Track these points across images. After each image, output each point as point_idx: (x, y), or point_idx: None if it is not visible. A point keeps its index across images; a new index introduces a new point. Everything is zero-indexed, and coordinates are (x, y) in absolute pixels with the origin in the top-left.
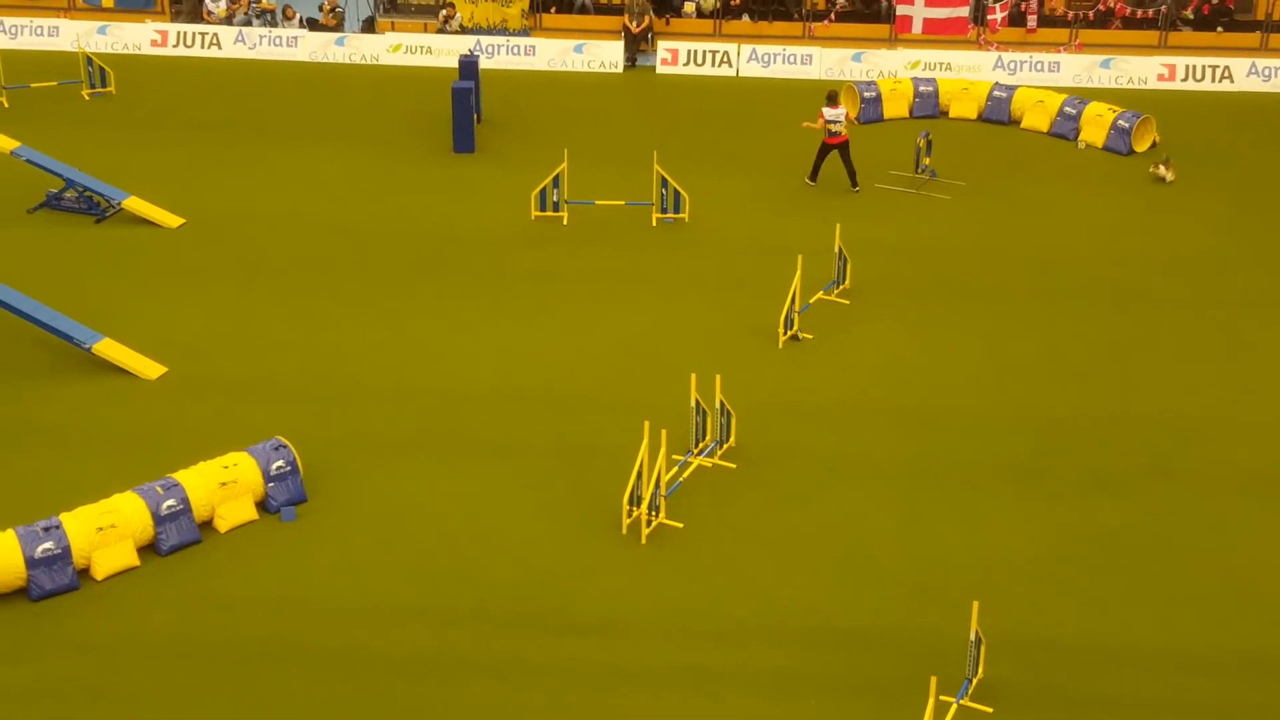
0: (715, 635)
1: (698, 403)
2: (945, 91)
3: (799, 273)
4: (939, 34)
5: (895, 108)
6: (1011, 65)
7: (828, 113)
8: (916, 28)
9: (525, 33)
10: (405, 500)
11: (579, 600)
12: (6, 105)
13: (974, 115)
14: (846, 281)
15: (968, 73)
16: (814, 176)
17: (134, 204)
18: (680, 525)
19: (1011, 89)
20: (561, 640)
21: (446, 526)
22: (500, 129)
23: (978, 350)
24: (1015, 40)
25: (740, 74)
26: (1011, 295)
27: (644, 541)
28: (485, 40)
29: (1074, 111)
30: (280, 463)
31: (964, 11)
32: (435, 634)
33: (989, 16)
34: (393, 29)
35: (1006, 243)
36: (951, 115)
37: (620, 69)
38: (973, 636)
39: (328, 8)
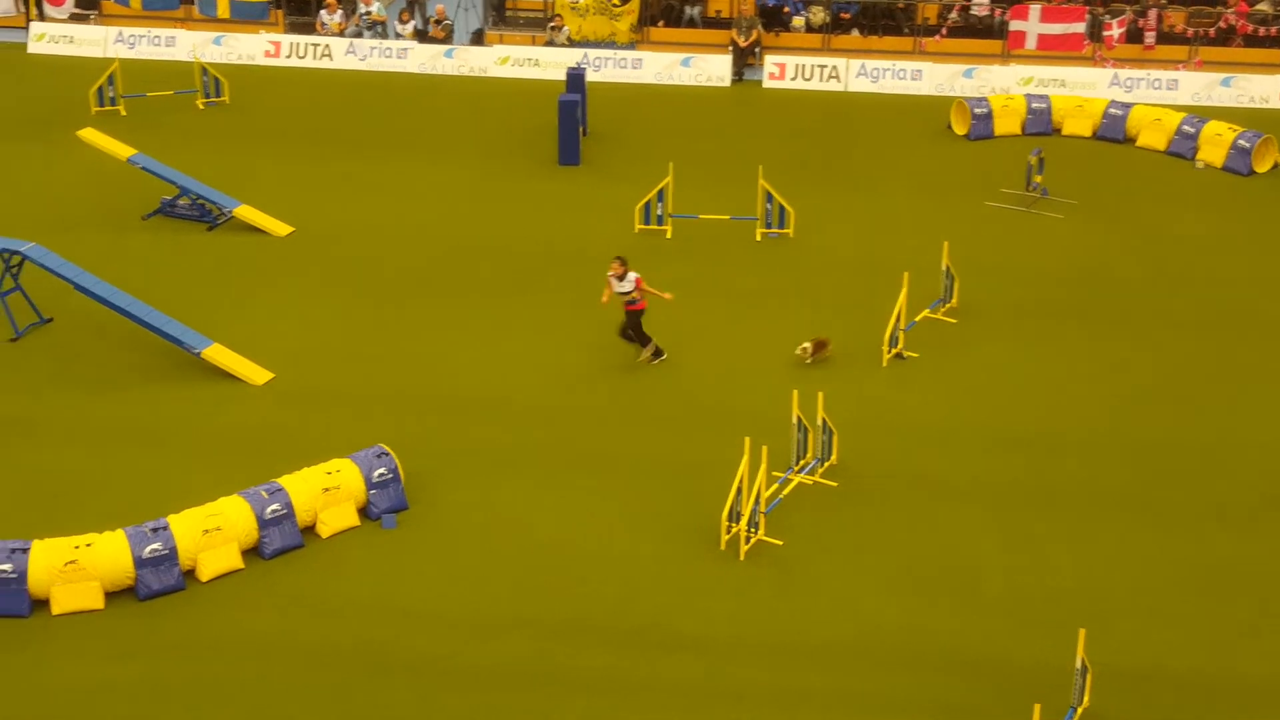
0: (813, 655)
1: (799, 419)
2: (1059, 108)
3: (904, 290)
4: (1053, 50)
5: (1007, 124)
6: (1128, 82)
7: (616, 284)
8: (1030, 44)
9: (633, 46)
10: (504, 511)
11: (676, 616)
12: (124, 114)
13: (1088, 133)
14: (954, 300)
15: (1082, 90)
16: (645, 344)
17: (245, 212)
18: (780, 543)
19: (1127, 106)
20: (658, 656)
21: (545, 539)
22: (606, 142)
23: (1088, 373)
24: (1132, 57)
25: (849, 89)
26: (1124, 318)
27: (743, 558)
28: (593, 53)
29: (1192, 130)
30: (382, 470)
31: (1080, 28)
32: (532, 646)
33: (1105, 33)
34: (501, 41)
35: (1119, 263)
36: (1065, 133)
37: (727, 83)
38: (1078, 665)
39: (436, 20)
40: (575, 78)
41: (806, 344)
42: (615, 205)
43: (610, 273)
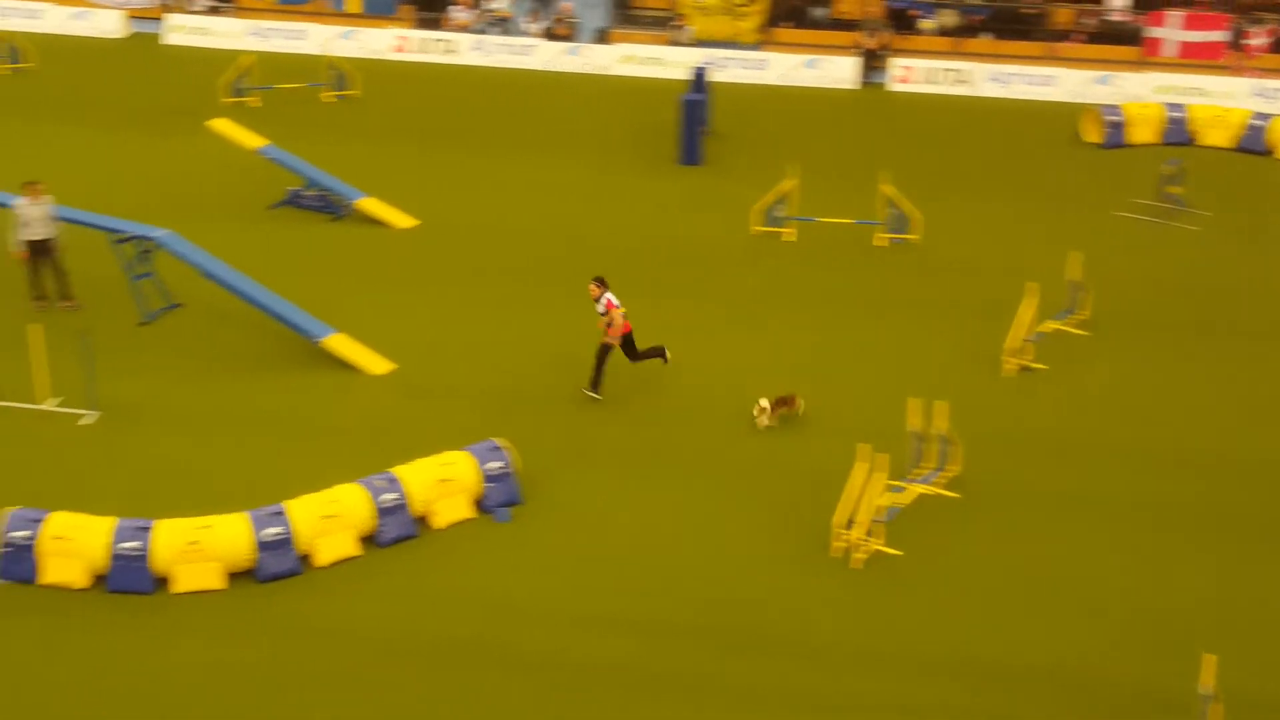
0: (925, 668)
1: (918, 429)
2: (1197, 118)
3: (1030, 300)
4: (1193, 59)
5: (1142, 133)
6: (1272, 93)
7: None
8: (1169, 51)
9: (757, 46)
10: (617, 510)
11: (786, 622)
12: (255, 105)
13: (1228, 144)
14: (1083, 311)
15: (1222, 99)
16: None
17: (369, 204)
18: (898, 553)
19: (1269, 118)
20: (765, 661)
21: (656, 539)
22: (727, 142)
23: (1219, 389)
24: (1276, 66)
25: (978, 94)
26: (1258, 334)
27: (856, 566)
28: (716, 53)
29: None
30: (497, 464)
31: (1221, 36)
32: (638, 645)
33: (1248, 41)
34: (625, 40)
35: (1255, 279)
36: (1203, 143)
37: (853, 85)
38: (1204, 690)
39: (561, 18)
40: (699, 78)
41: (764, 401)
42: (735, 206)
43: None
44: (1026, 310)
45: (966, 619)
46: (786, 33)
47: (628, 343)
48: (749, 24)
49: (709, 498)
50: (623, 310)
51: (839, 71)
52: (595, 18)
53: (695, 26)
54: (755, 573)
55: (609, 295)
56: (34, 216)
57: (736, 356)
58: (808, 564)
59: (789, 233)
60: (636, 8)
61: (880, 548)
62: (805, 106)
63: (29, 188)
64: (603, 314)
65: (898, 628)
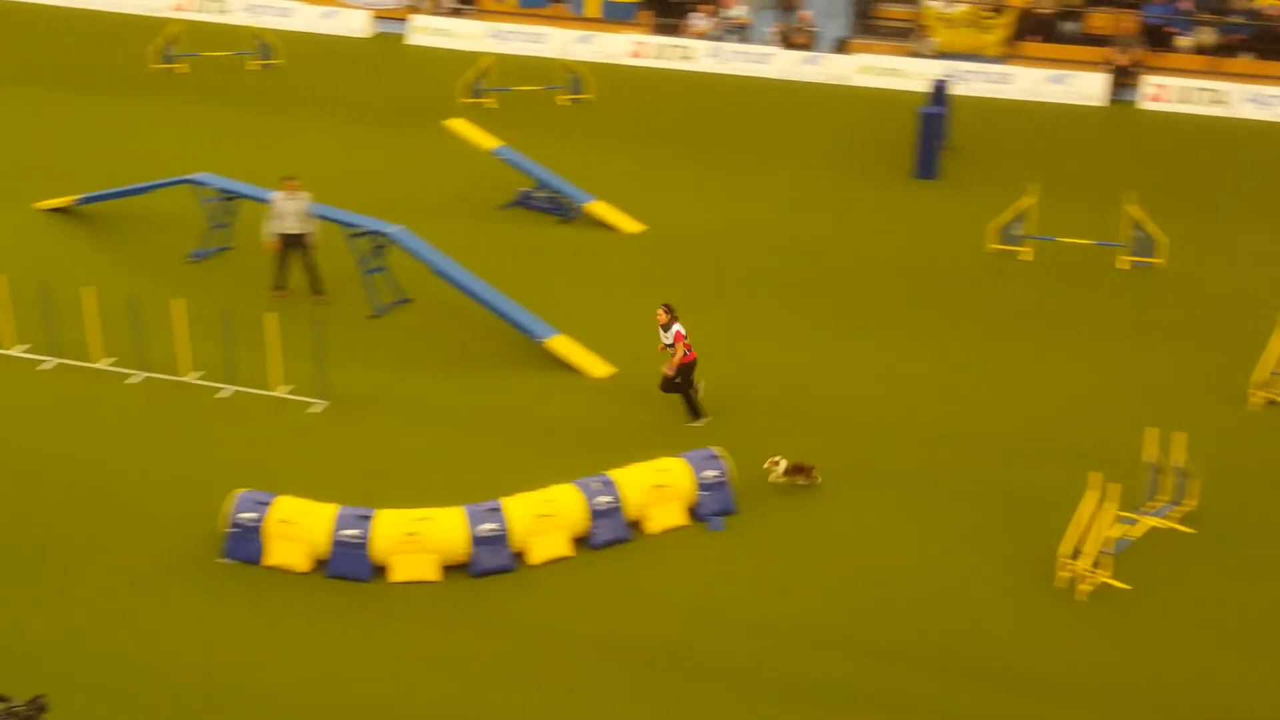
0: (1149, 708)
1: (1154, 459)
2: None
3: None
4: None
5: None
6: None
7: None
8: None
9: (1002, 60)
10: (833, 526)
11: (1005, 651)
12: (492, 106)
13: None
14: None
15: None
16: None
17: (598, 208)
18: (1125, 586)
19: None
20: (981, 689)
21: (872, 558)
22: (966, 157)
23: None
24: None
25: (1236, 115)
26: None
27: (1081, 598)
28: (959, 66)
29: None
30: (713, 472)
31: None
32: (848, 666)
33: None
34: (864, 50)
35: None
36: None
37: (1101, 103)
38: None
39: (800, 26)
40: (939, 90)
41: (780, 459)
42: (970, 222)
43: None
44: (1277, 342)
45: (1195, 659)
46: (1033, 46)
47: (684, 372)
48: (994, 36)
49: (928, 519)
50: (688, 341)
51: (1087, 88)
52: (835, 27)
53: (938, 38)
54: (974, 598)
55: (678, 326)
56: (287, 210)
57: (965, 376)
58: (1030, 592)
59: (1026, 252)
60: (878, 18)
61: (1107, 580)
62: (1049, 123)
63: (286, 182)
64: (670, 345)
65: (1121, 663)
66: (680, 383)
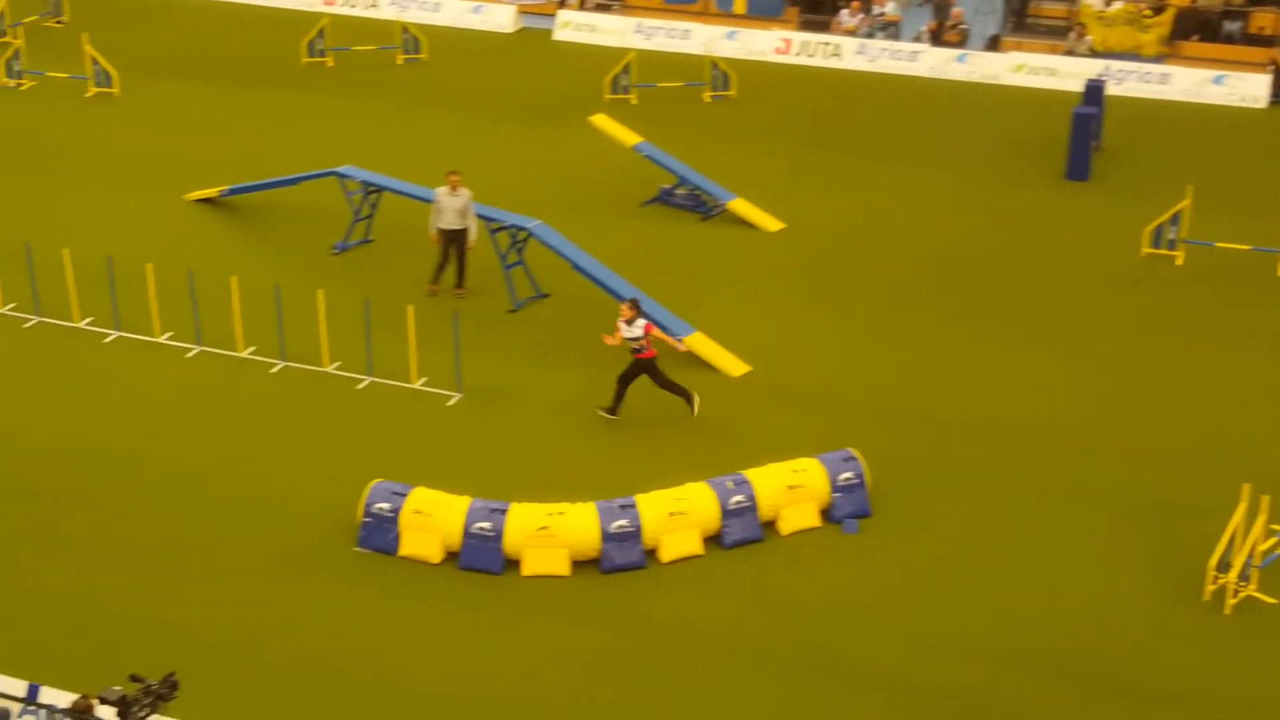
0: None
1: None
2: None
3: None
4: None
5: None
6: None
7: (625, 329)
8: None
9: (1160, 60)
10: (969, 532)
11: (1147, 663)
12: (635, 102)
13: None
14: None
15: None
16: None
17: (738, 206)
18: (1273, 601)
19: None
20: (1121, 703)
21: (1009, 565)
22: (1119, 159)
23: None
24: None
25: None
26: None
27: (1228, 612)
28: (1115, 65)
29: None
30: (848, 474)
31: None
32: (983, 673)
33: None
34: (1018, 49)
35: None
36: None
37: (1264, 105)
38: None
39: (951, 23)
40: (1094, 90)
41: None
42: (1122, 226)
43: (620, 318)
44: None
45: None
46: (1194, 46)
47: (642, 368)
48: (1153, 36)
49: (1070, 528)
50: (650, 339)
51: (1250, 89)
52: (988, 25)
53: (1095, 37)
54: (1116, 609)
55: (644, 320)
56: (447, 206)
57: (1113, 382)
58: (1175, 604)
59: (1179, 256)
60: (1033, 16)
61: (1255, 594)
62: (1208, 124)
63: (449, 178)
64: (640, 337)
65: (1267, 678)
66: (632, 375)
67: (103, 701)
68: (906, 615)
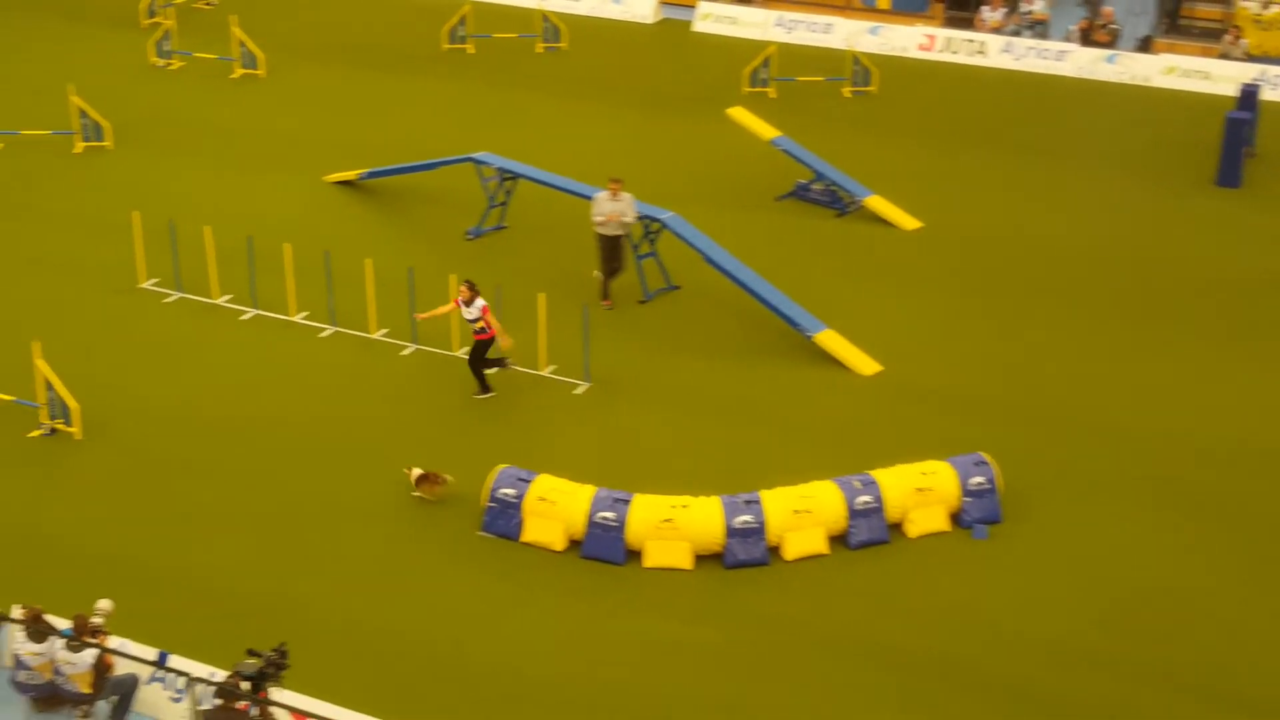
0: None
1: None
2: None
3: None
4: None
5: None
6: None
7: (464, 309)
8: None
9: None
10: (1104, 541)
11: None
12: (773, 96)
13: None
14: None
15: None
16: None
17: (875, 203)
18: None
19: None
20: None
21: (1145, 577)
22: (1272, 165)
23: None
24: None
25: None
26: None
27: None
28: (1272, 70)
29: None
30: (980, 479)
31: None
32: (1117, 686)
33: None
34: (1170, 51)
35: None
36: None
37: None
38: None
39: (1101, 23)
40: (1248, 95)
41: (415, 468)
42: (1274, 234)
43: (458, 298)
44: None
45: None
46: None
47: (483, 348)
48: None
49: (1208, 541)
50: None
51: None
52: (1139, 25)
53: (1250, 40)
54: (1254, 625)
55: (482, 300)
56: (605, 210)
57: (1259, 394)
58: None
59: None
60: (1186, 18)
61: None
62: None
63: (610, 183)
64: (479, 318)
65: None
66: (480, 357)
67: (240, 676)
68: (1036, 625)
